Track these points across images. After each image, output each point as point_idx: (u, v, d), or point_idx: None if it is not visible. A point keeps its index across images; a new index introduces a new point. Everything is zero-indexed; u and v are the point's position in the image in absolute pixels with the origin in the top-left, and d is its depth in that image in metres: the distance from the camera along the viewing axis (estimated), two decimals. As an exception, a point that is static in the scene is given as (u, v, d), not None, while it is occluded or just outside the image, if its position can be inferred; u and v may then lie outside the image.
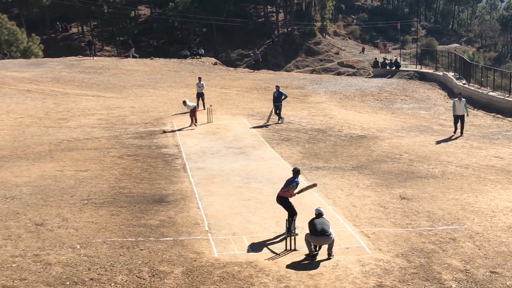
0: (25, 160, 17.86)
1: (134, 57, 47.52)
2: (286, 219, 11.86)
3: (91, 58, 45.84)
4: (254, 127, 23.26)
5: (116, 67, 41.53)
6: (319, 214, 11.38)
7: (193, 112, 23.32)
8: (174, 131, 22.36)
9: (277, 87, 25.00)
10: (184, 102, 23.72)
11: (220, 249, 11.52)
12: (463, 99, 23.12)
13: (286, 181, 12.32)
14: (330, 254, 11.19)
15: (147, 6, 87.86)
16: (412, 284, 10.07)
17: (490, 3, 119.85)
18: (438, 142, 21.50)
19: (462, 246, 11.69)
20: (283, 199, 12.19)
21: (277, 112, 24.36)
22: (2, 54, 50.48)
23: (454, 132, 22.90)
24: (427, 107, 31.37)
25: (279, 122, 24.14)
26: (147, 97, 30.41)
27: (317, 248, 11.24)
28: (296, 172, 12.36)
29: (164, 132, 21.96)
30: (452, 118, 23.44)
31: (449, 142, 21.63)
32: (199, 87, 27.14)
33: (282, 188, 12.30)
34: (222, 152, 19.49)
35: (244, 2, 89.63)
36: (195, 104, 24.08)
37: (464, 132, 23.04)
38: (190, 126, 23.12)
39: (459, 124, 22.88)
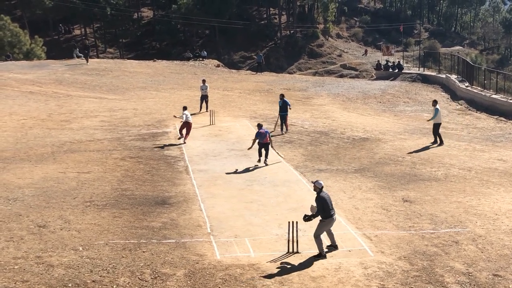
0: (27, 162, 17.88)
1: (78, 57, 46.59)
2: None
3: (86, 63, 43.76)
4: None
5: (118, 69, 41.58)
6: (322, 188, 11.47)
7: (186, 126, 21.13)
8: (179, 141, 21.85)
9: (282, 95, 23.60)
10: (185, 108, 21.55)
11: (222, 251, 11.52)
12: (436, 106, 21.59)
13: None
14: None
15: (150, 8, 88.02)
16: (414, 287, 10.05)
17: (493, 5, 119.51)
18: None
19: (465, 249, 11.67)
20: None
21: (283, 121, 23.03)
22: (5, 56, 50.56)
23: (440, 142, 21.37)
24: (430, 109, 31.22)
25: (283, 132, 22.87)
26: (150, 99, 30.43)
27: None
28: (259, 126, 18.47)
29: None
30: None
31: (452, 145, 21.57)
32: (203, 89, 27.14)
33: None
34: (224, 154, 19.49)
35: (246, 4, 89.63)
36: (190, 120, 21.33)
37: (442, 141, 21.19)
38: (180, 139, 21.11)
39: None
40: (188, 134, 21.19)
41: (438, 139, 21.46)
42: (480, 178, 16.89)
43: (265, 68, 55.16)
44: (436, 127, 21.58)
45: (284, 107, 23.09)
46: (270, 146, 18.42)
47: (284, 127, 23.15)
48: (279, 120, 23.21)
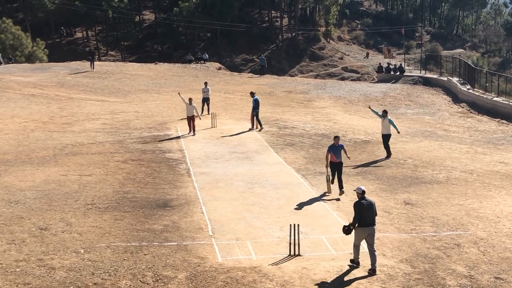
0: (29, 164, 17.90)
1: (8, 63, 46.28)
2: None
3: (91, 69, 41.79)
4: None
5: (120, 72, 41.63)
6: (363, 192, 10.93)
7: (191, 120, 22.75)
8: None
9: (252, 93, 24.30)
10: (190, 100, 22.78)
11: (224, 254, 11.51)
12: (387, 117, 19.84)
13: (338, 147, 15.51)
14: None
15: (151, 11, 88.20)
16: (416, 290, 10.04)
17: (494, 8, 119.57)
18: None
19: (467, 252, 11.66)
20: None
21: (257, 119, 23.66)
22: (7, 58, 50.64)
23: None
24: (431, 112, 31.32)
25: (257, 130, 23.58)
26: (151, 102, 30.47)
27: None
28: None
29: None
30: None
31: (453, 148, 21.57)
32: (205, 92, 27.18)
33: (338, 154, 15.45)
34: (226, 157, 19.50)
35: (248, 7, 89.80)
36: (193, 112, 22.89)
37: (390, 153, 19.73)
38: (189, 133, 22.72)
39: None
40: (193, 126, 22.82)
41: (387, 151, 19.85)
42: (481, 181, 16.88)
43: (267, 70, 55.21)
44: (386, 138, 19.90)
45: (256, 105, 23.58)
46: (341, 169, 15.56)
47: (258, 124, 23.70)
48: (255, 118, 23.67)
